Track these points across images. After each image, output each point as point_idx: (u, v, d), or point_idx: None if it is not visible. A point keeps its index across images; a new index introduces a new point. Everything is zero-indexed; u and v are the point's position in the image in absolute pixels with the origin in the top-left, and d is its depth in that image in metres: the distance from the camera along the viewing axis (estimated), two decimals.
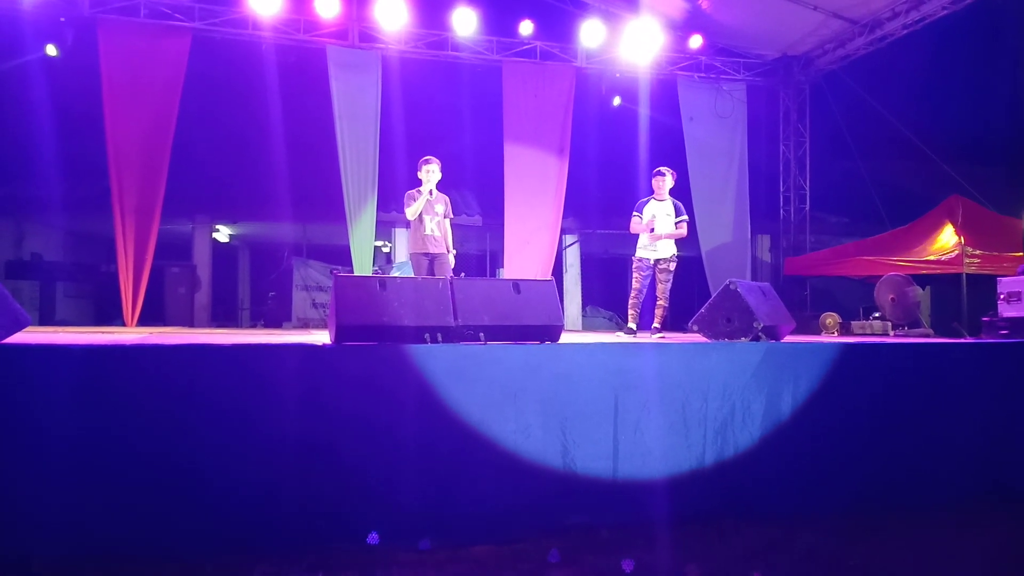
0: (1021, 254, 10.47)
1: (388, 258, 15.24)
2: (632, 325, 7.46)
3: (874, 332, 10.68)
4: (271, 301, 15.54)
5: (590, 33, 12.33)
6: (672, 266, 7.47)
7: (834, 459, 4.57)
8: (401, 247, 14.12)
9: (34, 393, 3.37)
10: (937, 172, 12.69)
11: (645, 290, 7.52)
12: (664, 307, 7.47)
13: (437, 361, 3.89)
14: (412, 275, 7.15)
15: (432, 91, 13.37)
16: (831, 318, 11.43)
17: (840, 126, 13.26)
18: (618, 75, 13.16)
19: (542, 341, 4.43)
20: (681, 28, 12.88)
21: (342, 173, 11.57)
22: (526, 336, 4.40)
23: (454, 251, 7.26)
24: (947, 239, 10.93)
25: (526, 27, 12.35)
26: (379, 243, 14.58)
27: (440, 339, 4.07)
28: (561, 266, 15.00)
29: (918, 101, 14.00)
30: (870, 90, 12.99)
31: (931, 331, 10.26)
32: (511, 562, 3.56)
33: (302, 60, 12.12)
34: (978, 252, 10.54)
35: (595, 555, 3.64)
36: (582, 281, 15.61)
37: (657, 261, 7.46)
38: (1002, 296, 7.60)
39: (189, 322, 13.76)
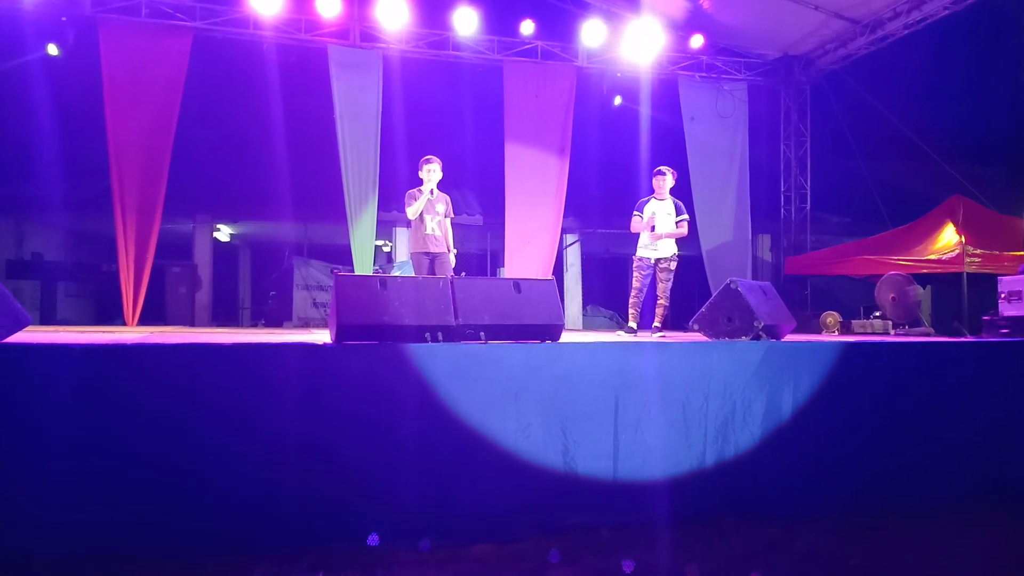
0: (1022, 253, 10.47)
1: (389, 257, 15.24)
2: (633, 324, 7.46)
3: (875, 331, 10.68)
4: (272, 300, 15.55)
5: (591, 33, 12.33)
6: (673, 265, 7.47)
7: (835, 458, 4.57)
8: (402, 246, 14.13)
9: (35, 393, 3.37)
10: (938, 172, 12.68)
11: (646, 289, 7.52)
12: (665, 306, 7.47)
13: (438, 360, 3.89)
14: (413, 274, 7.15)
15: (433, 91, 13.37)
16: (832, 317, 11.43)
17: (841, 126, 13.26)
18: (619, 75, 13.17)
19: (543, 340, 4.43)
20: (682, 28, 12.87)
21: (343, 172, 11.57)
22: (527, 335, 4.40)
23: (455, 250, 7.26)
24: (948, 238, 10.94)
25: (527, 27, 12.35)
26: (380, 242, 14.58)
27: (441, 338, 4.07)
28: (562, 265, 15.00)
29: (919, 101, 13.99)
30: (871, 90, 12.99)
31: (932, 330, 10.26)
32: (512, 562, 3.56)
33: (303, 60, 12.12)
34: (979, 251, 10.54)
35: (595, 555, 3.64)
36: (583, 280, 15.61)
37: (658, 260, 7.46)
38: (1003, 295, 7.60)
39: (190, 321, 13.77)
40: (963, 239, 10.61)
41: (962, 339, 7.44)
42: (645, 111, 13.35)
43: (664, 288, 7.44)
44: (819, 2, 11.67)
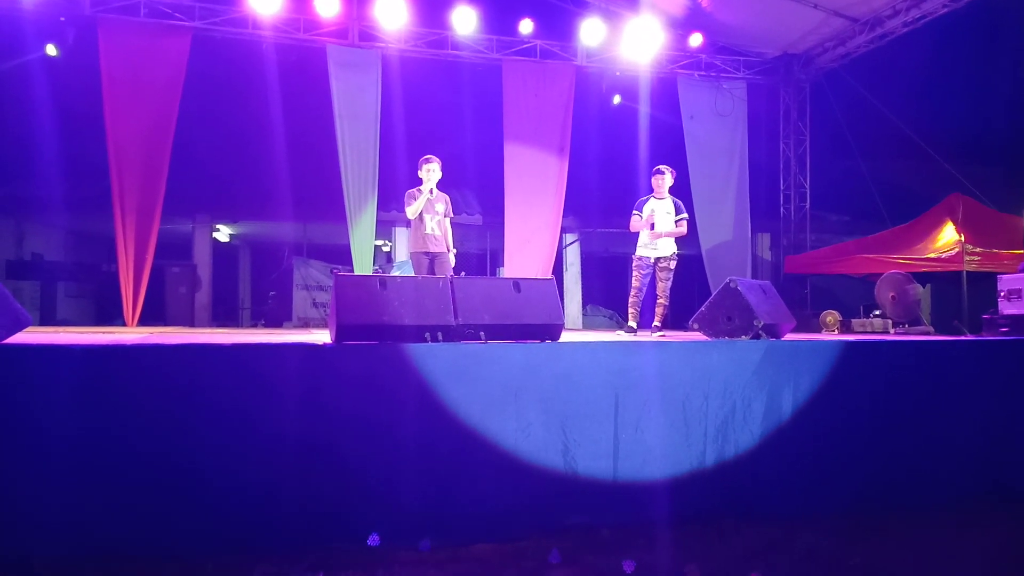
0: (1021, 252, 10.47)
1: (388, 257, 15.24)
2: (632, 324, 7.45)
3: (874, 330, 10.68)
4: (271, 301, 15.55)
5: (590, 32, 12.33)
6: (672, 264, 7.47)
7: (834, 458, 4.57)
8: (401, 246, 14.14)
9: (35, 393, 3.37)
10: (938, 170, 12.69)
11: (645, 288, 7.52)
12: (664, 305, 7.47)
13: (438, 360, 3.89)
14: (412, 274, 7.15)
15: (432, 90, 13.36)
16: (831, 316, 11.43)
17: (841, 124, 13.26)
18: (618, 74, 13.17)
19: (542, 340, 4.43)
20: (681, 26, 12.87)
21: (342, 172, 11.57)
22: (526, 335, 4.40)
23: (454, 250, 7.26)
24: (947, 237, 10.94)
25: (526, 26, 12.35)
26: (379, 242, 14.58)
27: (441, 338, 4.07)
28: (561, 265, 15.00)
29: (919, 99, 14.00)
30: (871, 88, 12.99)
31: (931, 329, 10.26)
32: (512, 561, 3.56)
33: (302, 59, 12.12)
34: (978, 250, 10.54)
35: (596, 555, 3.64)
36: (582, 280, 15.61)
37: (657, 259, 7.46)
38: (1002, 294, 7.61)
39: (190, 322, 13.77)
40: (963, 238, 10.61)
41: (962, 338, 7.44)
42: (644, 110, 13.35)
43: (664, 287, 7.44)
44: (818, 0, 11.67)
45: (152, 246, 11.05)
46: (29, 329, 3.83)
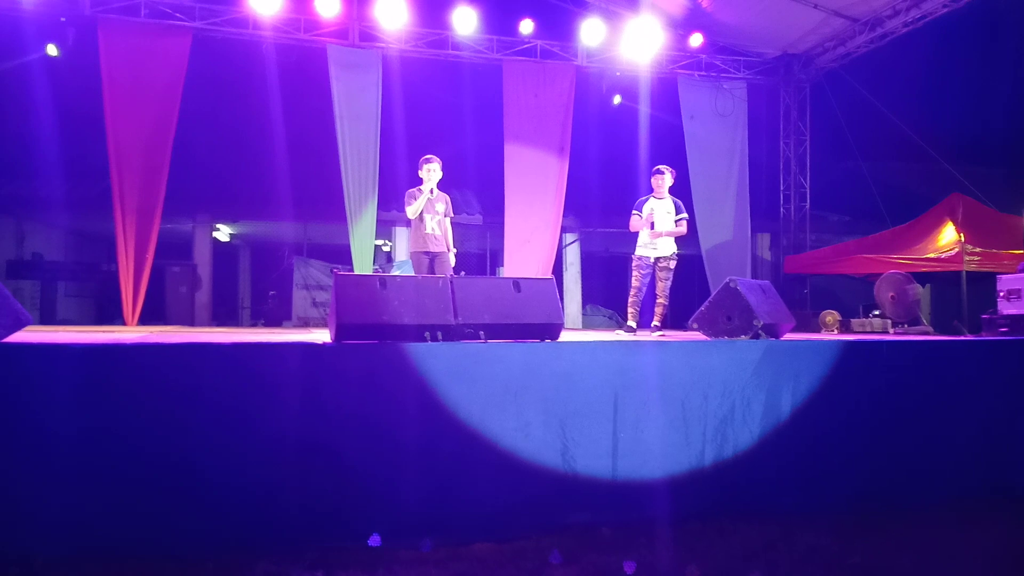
0: (1021, 252, 10.48)
1: (389, 257, 15.26)
2: (632, 323, 7.46)
3: (874, 330, 10.69)
4: (271, 300, 15.56)
5: (590, 32, 12.34)
6: (672, 264, 7.47)
7: (833, 457, 4.57)
8: (401, 246, 14.15)
9: (34, 392, 3.37)
10: (937, 170, 12.70)
11: (645, 288, 7.53)
12: (664, 305, 7.47)
13: (437, 360, 3.90)
14: (412, 274, 7.15)
15: (432, 90, 13.39)
16: (831, 316, 11.43)
17: (841, 124, 13.27)
18: (618, 74, 13.18)
19: (542, 339, 4.43)
20: (681, 26, 12.88)
21: (343, 172, 11.58)
22: (526, 334, 4.41)
23: (455, 250, 7.27)
24: (947, 237, 10.95)
25: (526, 26, 12.35)
26: (379, 242, 14.59)
27: (440, 337, 4.08)
28: (561, 264, 15.01)
29: (919, 99, 14.02)
30: (871, 88, 13.00)
31: (931, 329, 10.27)
32: (512, 560, 3.57)
33: (302, 59, 12.14)
34: (978, 250, 10.55)
35: (595, 554, 3.65)
36: (582, 279, 15.62)
37: (657, 259, 7.46)
38: (1002, 294, 7.62)
39: (190, 321, 13.78)
40: (962, 238, 10.62)
41: (961, 337, 7.44)
42: (644, 110, 13.35)
43: (663, 287, 7.44)
44: (819, 0, 11.67)
45: (152, 245, 11.06)
46: (29, 328, 3.84)
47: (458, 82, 13.23)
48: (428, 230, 7.01)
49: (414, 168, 7.13)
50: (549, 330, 4.50)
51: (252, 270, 17.92)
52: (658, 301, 7.47)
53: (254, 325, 15.10)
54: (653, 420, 4.22)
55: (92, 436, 3.43)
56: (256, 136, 12.55)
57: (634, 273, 7.56)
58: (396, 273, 10.81)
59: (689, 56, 13.11)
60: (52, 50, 11.14)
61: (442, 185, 7.17)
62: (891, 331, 10.40)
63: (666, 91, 13.40)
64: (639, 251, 7.54)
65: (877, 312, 10.91)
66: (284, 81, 11.95)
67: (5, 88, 11.68)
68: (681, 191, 8.13)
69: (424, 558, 3.56)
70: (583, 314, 15.75)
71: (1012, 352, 5.16)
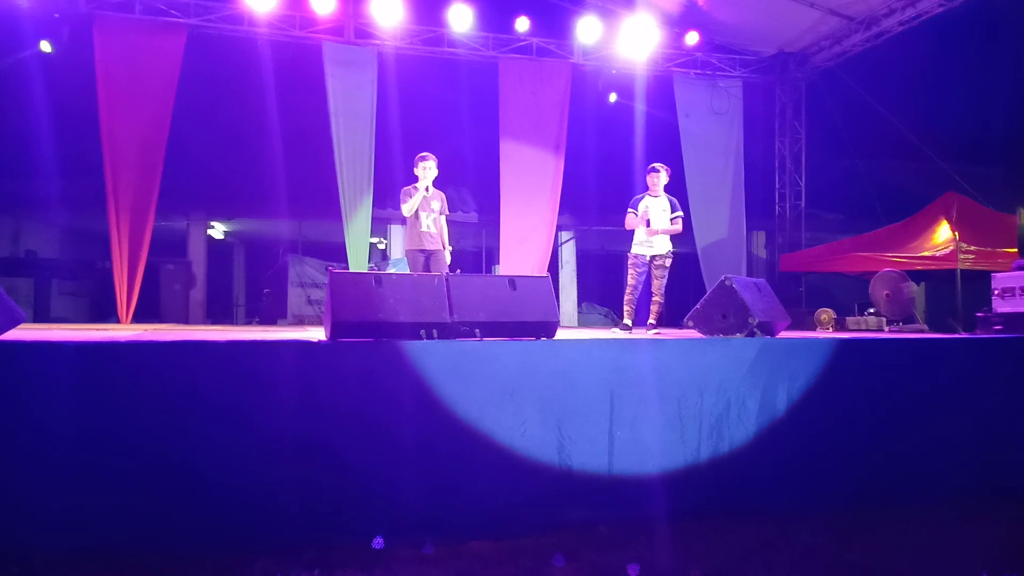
0: (1016, 250, 10.50)
1: (384, 255, 15.23)
2: (628, 321, 7.46)
3: (869, 328, 10.71)
4: (266, 298, 15.51)
5: (586, 30, 12.33)
6: (668, 262, 7.48)
7: (829, 455, 4.58)
8: (397, 244, 14.12)
9: (29, 390, 3.36)
10: (932, 169, 12.73)
11: (641, 286, 7.53)
12: (659, 303, 7.48)
13: (433, 358, 3.90)
14: (408, 271, 7.15)
15: (428, 88, 13.35)
16: (826, 314, 11.45)
17: (836, 123, 13.28)
18: (614, 72, 13.16)
19: (538, 337, 4.43)
20: (677, 25, 12.87)
21: (338, 170, 11.55)
22: (522, 332, 4.40)
23: (450, 247, 7.27)
24: (942, 235, 10.97)
25: (522, 23, 12.32)
26: (375, 240, 14.57)
27: (436, 335, 4.07)
28: (557, 262, 15.01)
29: (914, 98, 14.02)
30: (866, 87, 13.00)
31: (926, 327, 10.29)
32: (511, 558, 3.57)
33: (298, 56, 12.09)
34: (973, 248, 10.57)
35: (593, 552, 3.65)
36: (578, 277, 15.62)
37: (653, 257, 7.46)
38: (997, 292, 7.63)
39: (184, 319, 13.73)
40: (957, 236, 10.64)
41: (956, 336, 7.46)
42: (640, 108, 13.34)
43: (659, 285, 7.45)
44: None
45: (147, 243, 11.02)
46: (23, 326, 3.82)
47: (454, 80, 13.20)
48: (424, 228, 7.01)
49: (410, 166, 7.13)
50: (545, 328, 4.50)
51: (247, 268, 17.87)
52: (654, 299, 7.47)
53: (249, 323, 15.05)
54: (649, 418, 4.23)
55: (88, 434, 3.42)
56: (251, 134, 12.51)
57: (630, 271, 7.56)
58: (391, 271, 10.81)
59: (685, 54, 13.11)
60: (46, 47, 11.09)
61: (438, 183, 7.16)
62: (886, 329, 10.42)
63: (662, 89, 13.39)
64: (635, 249, 7.55)
65: (872, 310, 10.93)
66: (279, 78, 11.90)
67: None
68: (677, 189, 8.14)
69: (422, 556, 3.56)
70: (579, 312, 15.75)
71: (1007, 350, 5.18)
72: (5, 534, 3.28)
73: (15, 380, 3.36)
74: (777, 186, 14.37)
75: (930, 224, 11.37)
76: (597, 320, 16.19)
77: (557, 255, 14.89)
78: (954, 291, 10.58)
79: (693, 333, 5.41)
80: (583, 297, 16.23)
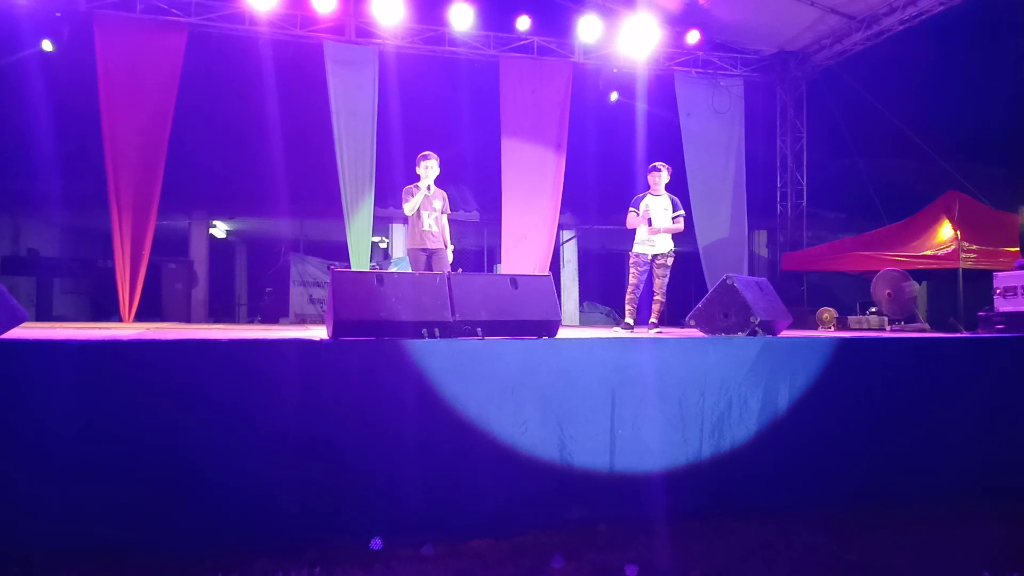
0: (1017, 249, 10.50)
1: (385, 254, 15.24)
2: (629, 320, 7.46)
3: (870, 327, 10.70)
4: (268, 297, 15.53)
5: (587, 28, 12.32)
6: (669, 261, 7.47)
7: (830, 454, 4.58)
8: (399, 243, 14.12)
9: (30, 388, 3.37)
10: (934, 168, 12.71)
11: (642, 285, 7.53)
12: (661, 302, 7.48)
13: (435, 356, 3.90)
14: (409, 270, 7.15)
15: (429, 86, 13.35)
16: (828, 313, 11.44)
17: (837, 122, 13.27)
18: (615, 70, 13.16)
19: (539, 336, 4.43)
20: (678, 23, 12.87)
21: (339, 169, 11.56)
22: (523, 331, 4.40)
23: (452, 246, 7.26)
24: (944, 234, 10.96)
25: (523, 22, 12.32)
26: (376, 239, 14.56)
27: (438, 334, 4.07)
28: (558, 261, 15.00)
29: (915, 97, 14.00)
30: (867, 86, 12.99)
31: (927, 326, 10.28)
32: (511, 557, 3.57)
33: (299, 55, 12.10)
34: (974, 247, 10.56)
35: (593, 550, 3.65)
36: (579, 276, 15.62)
37: (654, 256, 7.46)
38: (998, 291, 7.63)
39: (186, 318, 13.75)
40: (959, 235, 10.63)
41: (958, 335, 7.45)
42: (641, 107, 13.33)
43: (660, 284, 7.45)
44: None
45: (148, 242, 11.03)
46: (25, 325, 3.82)
47: (455, 79, 13.20)
48: (425, 227, 7.00)
49: (411, 165, 7.13)
50: (546, 327, 4.49)
51: (248, 267, 17.89)
52: (655, 298, 7.47)
53: (251, 322, 15.05)
54: (650, 417, 4.23)
55: (89, 433, 3.42)
56: (252, 133, 12.51)
57: (631, 270, 7.55)
58: (393, 270, 10.81)
59: (686, 53, 13.10)
60: (47, 46, 11.10)
61: (439, 182, 7.15)
62: (887, 328, 10.41)
63: (663, 88, 13.39)
64: (636, 248, 7.54)
65: (874, 309, 10.92)
66: (280, 77, 11.91)
67: (0, 84, 11.63)
68: (678, 188, 8.13)
69: (423, 556, 3.56)
70: (580, 311, 15.75)
71: (1008, 349, 5.18)
72: (5, 534, 3.28)
73: (17, 379, 3.36)
74: (778, 185, 14.37)
75: (932, 223, 11.36)
76: (599, 319, 16.19)
77: (559, 254, 14.88)
78: (956, 290, 10.57)
79: (695, 332, 5.41)
80: (584, 296, 16.23)
